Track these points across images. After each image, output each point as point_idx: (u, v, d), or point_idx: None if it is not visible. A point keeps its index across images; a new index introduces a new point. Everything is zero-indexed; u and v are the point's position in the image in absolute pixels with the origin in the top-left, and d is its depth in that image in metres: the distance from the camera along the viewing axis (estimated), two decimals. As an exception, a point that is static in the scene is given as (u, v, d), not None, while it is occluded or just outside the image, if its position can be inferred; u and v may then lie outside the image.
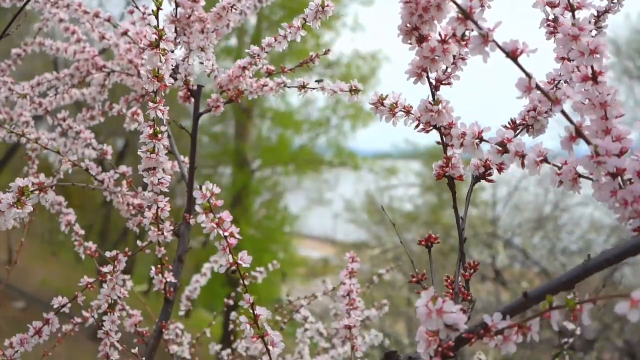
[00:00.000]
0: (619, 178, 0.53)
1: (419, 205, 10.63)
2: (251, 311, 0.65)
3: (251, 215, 11.06)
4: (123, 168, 1.06)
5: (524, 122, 0.69)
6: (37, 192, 0.67)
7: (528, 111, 0.69)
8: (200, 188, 0.62)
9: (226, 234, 0.62)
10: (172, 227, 0.92)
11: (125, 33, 1.06)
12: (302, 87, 0.95)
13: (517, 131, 0.69)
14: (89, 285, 0.93)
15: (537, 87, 0.51)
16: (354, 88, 0.85)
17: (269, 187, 11.88)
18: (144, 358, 0.94)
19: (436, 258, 7.24)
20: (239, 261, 0.63)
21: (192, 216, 0.96)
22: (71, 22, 1.26)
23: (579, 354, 5.56)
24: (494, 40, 0.50)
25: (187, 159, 1.11)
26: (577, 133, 0.52)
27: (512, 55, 0.51)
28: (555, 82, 0.69)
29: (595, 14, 0.73)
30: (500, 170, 0.68)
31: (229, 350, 1.33)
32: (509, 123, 0.69)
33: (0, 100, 1.20)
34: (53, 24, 1.24)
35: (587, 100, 0.56)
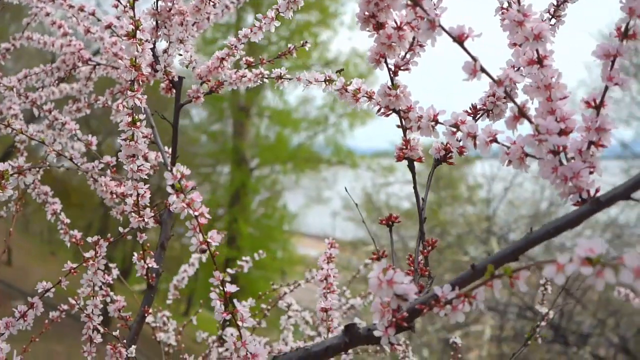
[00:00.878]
0: (562, 155, 0.56)
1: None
2: (221, 288, 0.68)
3: (250, 213, 11.09)
4: (107, 158, 1.08)
5: (484, 107, 0.72)
6: (16, 175, 0.70)
7: (488, 96, 0.72)
8: (171, 171, 0.65)
9: (196, 213, 0.65)
10: (152, 214, 0.95)
11: (109, 26, 1.09)
12: (280, 77, 0.98)
13: (478, 115, 0.72)
14: (72, 271, 0.96)
15: (482, 69, 0.54)
16: (328, 78, 0.88)
17: (267, 185, 11.93)
18: (125, 341, 0.97)
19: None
20: (208, 240, 0.66)
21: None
22: (64, 18, 1.29)
23: (572, 349, 5.60)
24: (440, 26, 0.53)
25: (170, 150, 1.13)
26: (520, 113, 0.55)
27: (459, 39, 0.54)
28: (515, 68, 0.72)
29: (555, 2, 0.76)
30: (461, 153, 0.71)
31: (214, 337, 1.36)
32: (470, 108, 0.72)
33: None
34: (41, 18, 1.26)
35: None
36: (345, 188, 1.01)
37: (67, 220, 1.14)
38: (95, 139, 1.13)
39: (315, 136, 11.94)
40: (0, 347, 0.71)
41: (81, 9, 1.13)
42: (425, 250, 0.67)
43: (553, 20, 0.75)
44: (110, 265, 1.19)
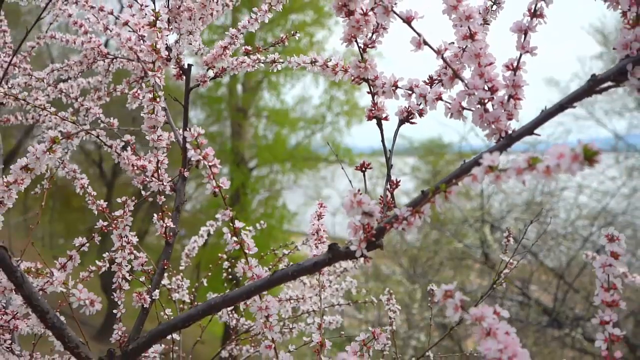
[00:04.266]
0: (491, 107, 0.73)
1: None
2: (231, 224, 0.86)
3: (250, 213, 11.26)
4: (127, 137, 1.26)
5: (439, 78, 0.89)
6: (65, 139, 0.88)
7: (441, 69, 0.89)
8: (190, 129, 0.83)
9: (210, 164, 0.83)
10: (170, 179, 1.13)
11: (126, 23, 1.26)
12: (274, 61, 1.16)
13: (434, 84, 0.89)
14: (103, 228, 1.13)
15: (425, 42, 0.72)
16: (313, 60, 1.05)
17: (266, 185, 12.09)
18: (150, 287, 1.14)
19: (429, 245, 7.47)
20: (220, 184, 0.84)
21: (187, 170, 1.17)
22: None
23: (565, 330, 5.78)
24: (392, 10, 0.71)
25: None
26: (454, 75, 0.73)
27: (407, 20, 0.71)
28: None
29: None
30: (420, 114, 0.88)
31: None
32: (428, 78, 0.90)
33: (20, 85, 1.41)
34: (63, 18, 1.44)
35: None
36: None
37: (94, 193, 1.31)
38: (117, 122, 1.30)
39: (312, 135, 12.13)
40: (57, 275, 0.89)
41: (101, 9, 1.30)
42: (391, 189, 0.84)
43: (494, 7, 0.93)
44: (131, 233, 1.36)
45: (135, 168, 1.23)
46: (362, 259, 0.77)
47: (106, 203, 1.26)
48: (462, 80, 0.72)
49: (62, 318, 0.82)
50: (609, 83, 0.66)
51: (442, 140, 11.81)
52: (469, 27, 0.74)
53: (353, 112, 11.78)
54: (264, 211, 11.91)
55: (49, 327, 0.79)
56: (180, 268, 1.60)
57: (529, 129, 0.68)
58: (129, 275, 1.12)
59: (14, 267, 0.76)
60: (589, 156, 0.48)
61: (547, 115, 0.67)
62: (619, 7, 0.68)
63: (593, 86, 0.65)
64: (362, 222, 0.72)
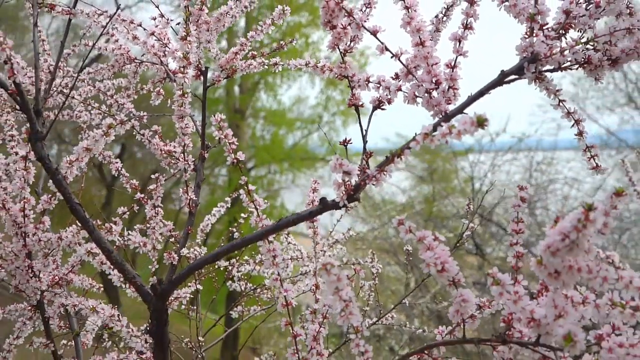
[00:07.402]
0: (434, 94, 1.01)
1: (412, 196, 11.14)
2: (246, 187, 1.13)
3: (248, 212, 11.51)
4: (155, 127, 1.53)
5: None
6: (119, 125, 1.15)
7: (403, 67, 1.16)
8: (214, 115, 1.10)
9: (230, 141, 1.10)
10: (193, 159, 1.40)
11: (152, 33, 1.53)
12: (275, 64, 1.43)
13: (399, 80, 1.17)
14: (141, 199, 1.40)
15: (386, 48, 0.99)
16: (307, 62, 1.33)
17: (264, 185, 12.35)
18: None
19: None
20: (237, 157, 1.11)
21: (206, 152, 1.44)
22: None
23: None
24: (363, 26, 0.98)
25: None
26: (408, 72, 1.00)
27: (373, 33, 0.99)
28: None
29: (446, 6, 1.21)
30: (389, 102, 1.15)
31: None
32: (394, 74, 1.17)
33: (61, 85, 1.68)
34: (95, 30, 1.71)
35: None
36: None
37: (127, 174, 1.58)
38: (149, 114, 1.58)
39: (309, 135, 12.40)
40: (115, 227, 1.16)
41: (131, 22, 1.58)
42: (366, 158, 1.12)
43: (444, 18, 1.20)
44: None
45: (163, 152, 1.50)
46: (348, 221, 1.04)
47: (137, 183, 1.53)
48: (414, 75, 1.00)
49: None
50: (514, 76, 0.93)
51: (436, 138, 12.00)
52: (419, 37, 1.01)
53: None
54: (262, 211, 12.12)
55: (113, 263, 1.06)
56: (197, 241, 1.88)
57: (459, 110, 0.95)
58: (161, 237, 1.39)
59: (87, 218, 1.03)
60: (480, 122, 0.76)
61: (471, 99, 0.94)
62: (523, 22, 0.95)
63: (502, 78, 0.93)
64: (344, 180, 0.99)
